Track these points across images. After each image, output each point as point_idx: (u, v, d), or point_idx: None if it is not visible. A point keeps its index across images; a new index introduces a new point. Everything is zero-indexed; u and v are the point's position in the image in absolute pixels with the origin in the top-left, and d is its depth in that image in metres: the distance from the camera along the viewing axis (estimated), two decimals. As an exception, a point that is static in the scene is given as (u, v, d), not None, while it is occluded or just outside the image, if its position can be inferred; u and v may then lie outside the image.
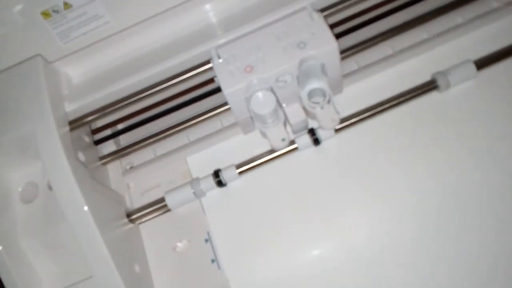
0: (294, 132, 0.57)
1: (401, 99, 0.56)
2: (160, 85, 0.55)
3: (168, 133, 0.59)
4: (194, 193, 0.56)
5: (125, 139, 0.64)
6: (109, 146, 0.62)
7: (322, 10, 0.54)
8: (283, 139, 0.54)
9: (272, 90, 0.51)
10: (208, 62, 0.54)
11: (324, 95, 0.52)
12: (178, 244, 0.57)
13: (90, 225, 0.47)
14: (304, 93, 0.52)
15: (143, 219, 0.58)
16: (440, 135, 0.56)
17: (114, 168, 0.61)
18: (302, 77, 0.51)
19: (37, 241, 0.52)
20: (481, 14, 0.59)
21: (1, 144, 0.51)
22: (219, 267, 0.55)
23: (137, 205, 0.59)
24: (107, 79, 0.55)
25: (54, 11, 0.52)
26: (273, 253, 0.54)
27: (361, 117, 0.56)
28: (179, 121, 0.59)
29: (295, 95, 0.53)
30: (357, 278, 0.53)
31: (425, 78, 0.57)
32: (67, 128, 0.53)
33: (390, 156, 0.56)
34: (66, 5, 0.52)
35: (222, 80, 0.50)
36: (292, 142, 0.56)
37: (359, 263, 0.53)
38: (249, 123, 0.56)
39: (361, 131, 0.57)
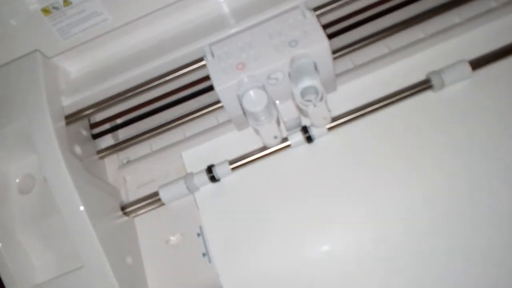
0: (288, 129, 0.57)
1: (395, 98, 0.56)
2: (157, 80, 0.56)
3: (164, 128, 0.60)
4: (187, 188, 0.57)
5: (122, 134, 0.65)
6: (108, 140, 0.63)
7: (316, 9, 0.54)
8: (275, 137, 0.55)
9: (264, 88, 0.51)
10: (204, 58, 0.54)
11: (316, 93, 0.52)
12: (171, 237, 0.58)
13: (82, 216, 0.49)
14: (297, 91, 0.52)
15: (138, 213, 0.59)
16: (434, 134, 0.55)
17: (111, 162, 0.63)
18: (295, 75, 0.51)
19: (32, 230, 0.53)
20: (477, 14, 0.59)
21: (-1, 137, 0.52)
22: (210, 261, 0.56)
23: (133, 198, 0.60)
24: (104, 75, 0.57)
25: (54, 8, 0.53)
26: (264, 248, 0.55)
27: (355, 115, 0.57)
28: (176, 117, 0.60)
29: (289, 93, 0.54)
30: (346, 272, 0.53)
31: (420, 77, 0.57)
32: (63, 122, 0.54)
33: (383, 154, 0.56)
34: (66, 2, 0.53)
35: (214, 77, 0.51)
36: (285, 140, 0.57)
37: (348, 258, 0.54)
38: (243, 120, 0.56)
39: (355, 130, 0.57)
